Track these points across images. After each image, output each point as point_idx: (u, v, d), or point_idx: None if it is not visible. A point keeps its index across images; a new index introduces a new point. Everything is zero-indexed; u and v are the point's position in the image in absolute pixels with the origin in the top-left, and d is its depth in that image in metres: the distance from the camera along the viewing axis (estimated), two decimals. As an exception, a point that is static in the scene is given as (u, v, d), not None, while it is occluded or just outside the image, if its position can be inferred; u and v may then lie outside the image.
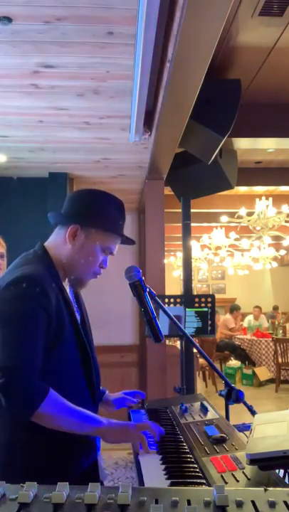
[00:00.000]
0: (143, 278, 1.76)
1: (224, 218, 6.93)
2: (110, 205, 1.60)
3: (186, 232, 4.52)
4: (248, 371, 8.29)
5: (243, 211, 6.44)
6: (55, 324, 1.45)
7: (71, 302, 1.58)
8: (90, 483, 0.88)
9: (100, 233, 1.57)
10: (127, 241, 1.66)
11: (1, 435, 1.45)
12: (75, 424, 1.41)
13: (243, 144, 3.98)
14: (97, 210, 1.58)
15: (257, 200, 6.42)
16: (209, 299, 3.37)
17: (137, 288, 1.74)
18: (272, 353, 8.26)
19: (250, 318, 10.51)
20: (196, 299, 3.38)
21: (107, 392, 1.86)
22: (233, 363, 8.33)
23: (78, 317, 1.63)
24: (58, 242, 1.59)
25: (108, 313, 5.41)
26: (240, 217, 6.60)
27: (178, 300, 3.41)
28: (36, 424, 1.37)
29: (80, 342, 1.55)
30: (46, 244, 1.62)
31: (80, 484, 0.90)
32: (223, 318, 10.14)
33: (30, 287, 1.40)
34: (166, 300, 3.41)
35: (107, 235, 1.58)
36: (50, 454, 1.43)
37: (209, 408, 1.80)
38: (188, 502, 0.85)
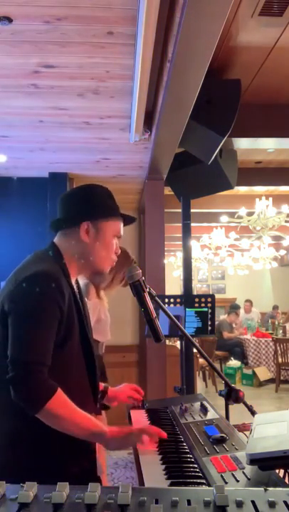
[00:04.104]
0: (143, 278, 1.76)
1: (224, 218, 6.93)
2: (102, 194, 1.66)
3: (186, 232, 4.53)
4: (248, 371, 8.29)
5: (243, 211, 6.43)
6: (66, 322, 1.46)
7: (79, 301, 1.59)
8: (90, 483, 0.88)
9: (108, 221, 1.62)
10: (128, 220, 1.69)
11: (1, 433, 1.45)
12: (78, 429, 1.41)
13: (243, 143, 3.97)
14: (96, 202, 1.63)
15: (257, 200, 6.42)
16: (209, 299, 3.36)
17: (137, 288, 1.74)
18: (272, 353, 8.26)
19: (241, 312, 10.49)
20: (196, 299, 3.38)
21: (109, 388, 1.87)
22: (233, 363, 8.32)
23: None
24: (70, 242, 1.61)
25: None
26: (240, 217, 6.60)
27: (178, 300, 3.40)
28: (38, 424, 1.38)
29: (85, 341, 1.57)
30: (57, 244, 1.63)
31: (76, 483, 0.90)
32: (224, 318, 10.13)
33: (46, 283, 1.43)
34: (166, 300, 3.41)
35: (112, 221, 1.63)
36: (49, 454, 1.43)
37: (209, 408, 1.80)
38: (188, 502, 0.85)
